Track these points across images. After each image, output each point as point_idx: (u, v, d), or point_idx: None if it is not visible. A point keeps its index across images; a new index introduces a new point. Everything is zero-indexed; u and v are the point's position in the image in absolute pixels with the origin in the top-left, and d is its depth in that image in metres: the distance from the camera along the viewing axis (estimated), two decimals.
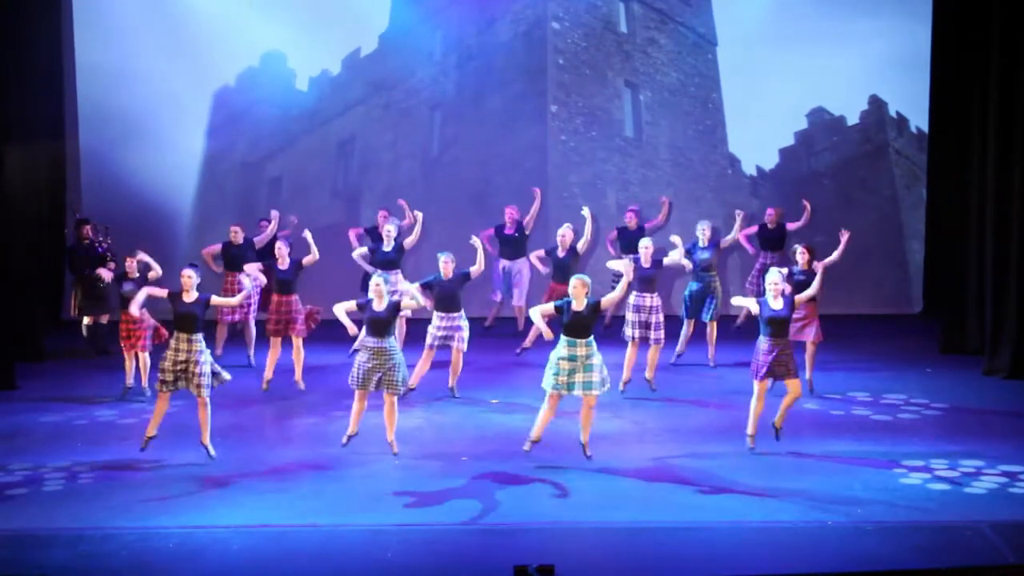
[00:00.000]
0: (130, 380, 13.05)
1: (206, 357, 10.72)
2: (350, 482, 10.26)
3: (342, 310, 10.94)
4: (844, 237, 13.43)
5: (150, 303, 13.04)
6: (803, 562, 8.45)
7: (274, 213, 15.39)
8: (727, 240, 14.58)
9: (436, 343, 12.76)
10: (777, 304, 10.69)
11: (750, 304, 10.81)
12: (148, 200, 17.34)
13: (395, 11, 17.67)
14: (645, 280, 12.91)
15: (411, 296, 11.16)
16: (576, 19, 17.69)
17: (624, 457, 10.84)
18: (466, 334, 12.86)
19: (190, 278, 10.89)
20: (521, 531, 9.11)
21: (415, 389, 12.83)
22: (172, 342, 10.76)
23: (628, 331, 12.97)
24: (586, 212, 14.58)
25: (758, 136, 17.72)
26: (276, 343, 13.24)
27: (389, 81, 17.81)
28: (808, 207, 15.70)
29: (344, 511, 9.57)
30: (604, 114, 17.76)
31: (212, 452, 10.72)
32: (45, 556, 8.70)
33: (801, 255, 12.82)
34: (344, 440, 10.89)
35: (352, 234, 15.41)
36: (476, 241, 13.01)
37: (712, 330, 14.35)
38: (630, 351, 12.93)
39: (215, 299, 11.10)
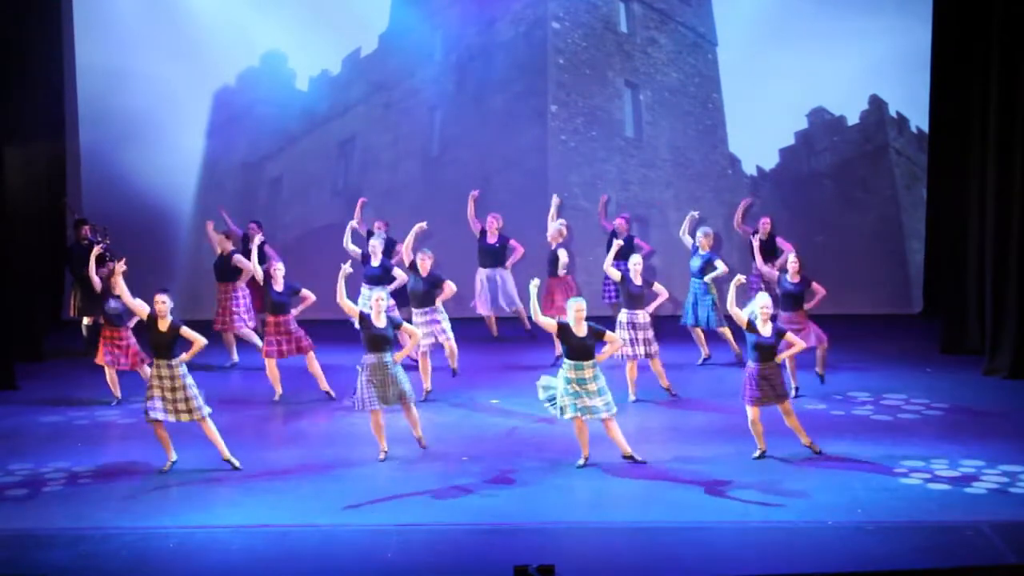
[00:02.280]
0: (117, 392, 12.93)
1: (190, 380, 10.61)
2: (350, 482, 10.26)
3: (342, 288, 10.95)
4: (819, 294, 13.01)
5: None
6: (803, 562, 8.45)
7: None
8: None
9: (426, 344, 12.78)
10: (766, 331, 10.69)
11: (741, 321, 10.78)
12: (148, 200, 17.34)
13: (395, 11, 17.67)
14: (635, 297, 12.75)
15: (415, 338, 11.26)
16: (576, 19, 17.69)
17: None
18: (446, 324, 12.96)
19: (164, 304, 10.61)
20: (521, 531, 9.12)
21: (431, 390, 12.93)
22: (153, 371, 10.61)
23: (626, 349, 12.76)
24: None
25: (758, 136, 17.71)
26: (272, 363, 12.99)
27: (389, 81, 17.80)
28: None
29: (344, 511, 9.57)
30: (604, 114, 17.76)
31: (236, 464, 10.61)
32: (45, 556, 8.70)
33: (792, 265, 12.82)
34: (381, 456, 10.81)
35: (350, 227, 14.99)
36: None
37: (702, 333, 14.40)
38: (630, 369, 12.83)
39: (185, 331, 10.64)
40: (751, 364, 10.72)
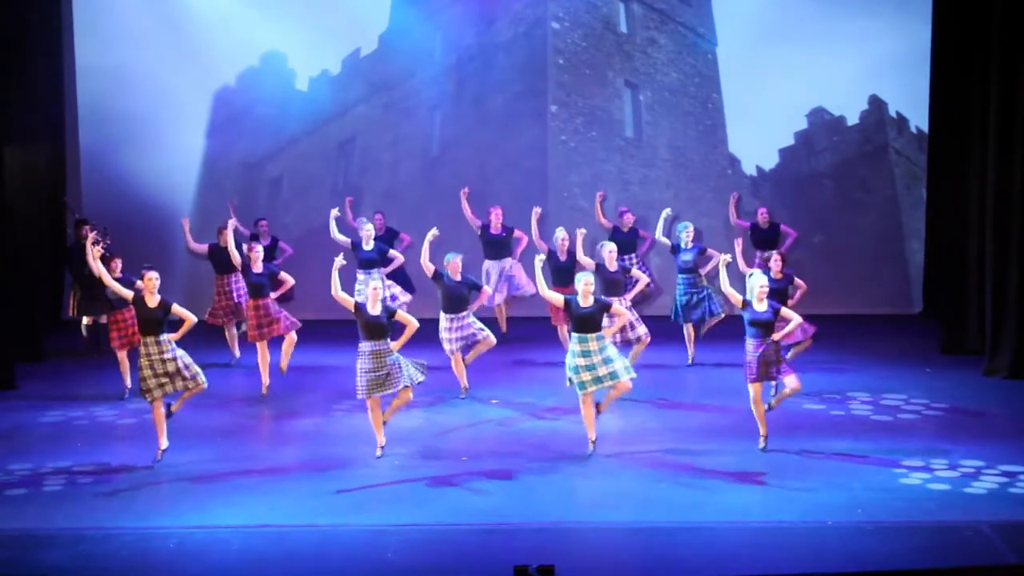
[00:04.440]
0: (128, 381, 13.03)
1: (180, 352, 10.72)
2: (350, 482, 10.26)
3: (336, 281, 10.94)
4: (800, 290, 13.02)
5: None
6: (803, 562, 8.44)
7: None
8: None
9: (458, 346, 12.79)
10: (761, 307, 10.74)
11: (736, 300, 10.82)
12: (148, 200, 17.34)
13: (395, 11, 17.67)
14: (611, 283, 12.75)
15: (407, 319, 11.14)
16: (576, 19, 17.70)
17: (624, 457, 10.85)
18: (478, 324, 12.87)
19: (153, 280, 10.77)
20: (521, 531, 9.11)
21: (469, 390, 13.00)
22: (141, 348, 10.70)
23: None
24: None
25: (758, 136, 17.72)
26: (263, 347, 13.13)
27: (389, 81, 17.81)
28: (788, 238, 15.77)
29: (344, 511, 9.57)
30: (604, 114, 17.76)
31: (163, 448, 10.75)
32: (45, 556, 8.70)
33: (775, 263, 12.80)
34: (378, 452, 10.84)
35: (333, 216, 14.55)
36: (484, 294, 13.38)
37: (690, 329, 14.34)
38: None
39: (175, 308, 10.80)
40: (750, 342, 10.72)
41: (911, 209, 17.72)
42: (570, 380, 10.71)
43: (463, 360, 12.96)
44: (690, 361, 14.34)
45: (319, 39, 17.41)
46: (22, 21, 15.49)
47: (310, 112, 17.79)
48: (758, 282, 10.78)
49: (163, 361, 10.62)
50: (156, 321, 10.67)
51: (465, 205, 15.26)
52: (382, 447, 10.86)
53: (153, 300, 10.74)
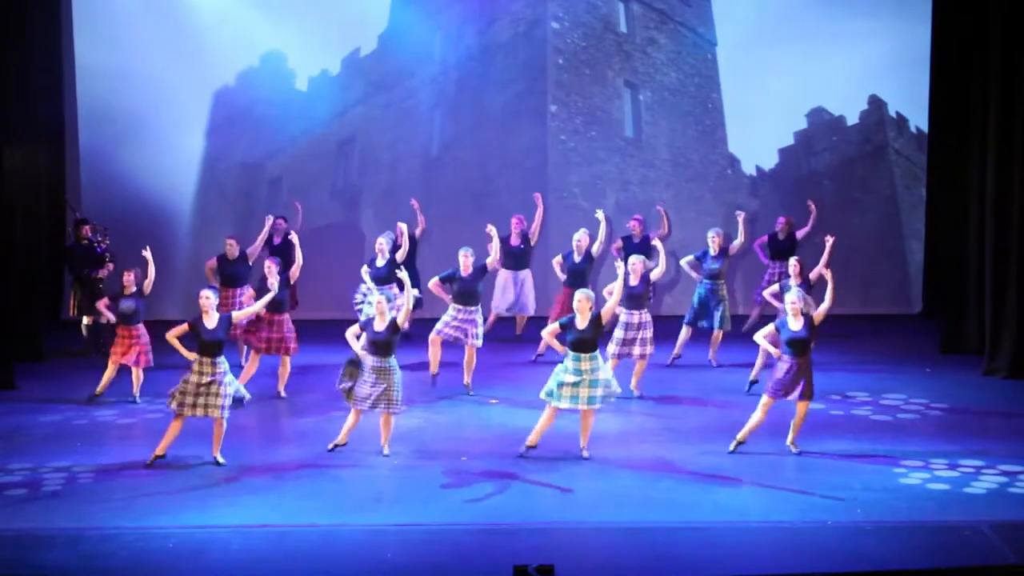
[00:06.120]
0: (101, 388, 12.85)
1: (230, 379, 10.67)
2: (350, 482, 10.27)
3: (352, 337, 10.99)
4: (828, 243, 13.17)
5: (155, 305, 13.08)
6: (803, 562, 8.45)
7: (268, 219, 14.95)
8: (735, 245, 14.26)
9: (446, 334, 12.84)
10: (796, 325, 10.67)
11: (770, 348, 10.78)
12: (148, 200, 17.33)
13: (395, 11, 17.66)
14: (633, 297, 12.76)
15: (404, 309, 11.06)
16: (576, 19, 17.69)
17: (624, 457, 10.85)
18: (480, 330, 12.96)
19: (208, 299, 10.68)
20: (521, 531, 9.12)
21: (438, 375, 13.12)
22: (195, 366, 10.56)
23: (611, 348, 12.73)
24: (600, 215, 14.22)
25: (758, 136, 17.72)
26: (257, 359, 13.10)
27: (389, 81, 17.79)
28: (814, 210, 15.69)
29: (344, 511, 9.57)
30: (604, 114, 17.75)
31: (221, 460, 10.69)
32: (45, 556, 8.70)
33: (793, 268, 12.84)
34: (330, 446, 10.92)
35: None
36: (492, 230, 13.19)
37: (718, 335, 14.25)
38: (610, 365, 12.83)
39: (235, 314, 10.96)
40: (785, 358, 10.66)
41: (911, 209, 17.72)
42: (549, 392, 10.67)
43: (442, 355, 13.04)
44: (670, 361, 14.17)
45: (319, 39, 17.39)
46: (21, 21, 15.49)
47: (310, 112, 17.77)
48: (790, 299, 10.74)
49: (207, 384, 10.52)
50: (217, 343, 10.58)
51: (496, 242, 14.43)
52: (337, 445, 10.89)
53: (212, 320, 10.64)
